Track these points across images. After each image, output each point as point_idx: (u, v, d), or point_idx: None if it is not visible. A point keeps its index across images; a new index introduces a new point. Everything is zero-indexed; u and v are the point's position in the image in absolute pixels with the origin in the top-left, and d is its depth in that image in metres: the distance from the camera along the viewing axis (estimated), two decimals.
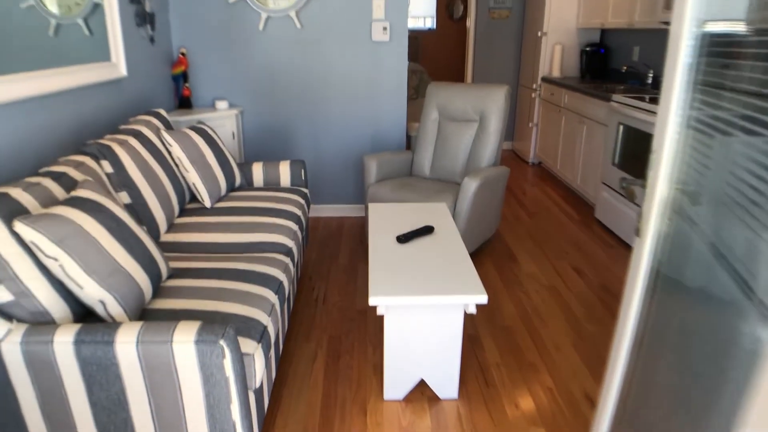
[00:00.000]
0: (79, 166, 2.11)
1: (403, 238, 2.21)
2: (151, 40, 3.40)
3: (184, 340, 1.43)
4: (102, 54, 2.83)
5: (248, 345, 1.62)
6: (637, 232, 1.29)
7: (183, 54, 3.71)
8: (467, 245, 3.18)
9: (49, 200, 1.80)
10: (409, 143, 4.75)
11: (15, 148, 2.14)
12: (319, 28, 3.72)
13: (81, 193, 1.82)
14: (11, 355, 1.48)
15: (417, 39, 8.83)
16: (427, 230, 2.30)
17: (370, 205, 2.68)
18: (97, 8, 2.78)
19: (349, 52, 3.76)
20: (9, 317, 1.54)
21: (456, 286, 1.84)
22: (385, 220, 2.48)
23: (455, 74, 8.88)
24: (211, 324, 1.46)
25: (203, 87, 3.88)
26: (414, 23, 8.82)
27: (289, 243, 2.46)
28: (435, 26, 8.85)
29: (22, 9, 2.28)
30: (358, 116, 3.91)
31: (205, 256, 2.26)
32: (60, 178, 1.94)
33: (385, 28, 3.69)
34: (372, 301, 1.77)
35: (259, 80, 3.85)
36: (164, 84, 3.63)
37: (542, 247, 3.63)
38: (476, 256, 3.45)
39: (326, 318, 2.73)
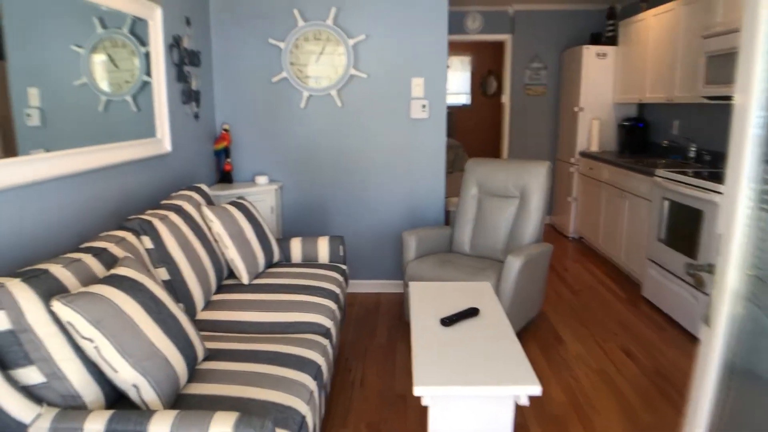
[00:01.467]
0: (120, 242, 2.10)
1: (447, 321, 2.09)
2: (196, 116, 3.50)
3: None
4: (148, 130, 2.91)
5: None
6: (707, 320, 1.17)
7: (226, 130, 3.81)
8: (512, 326, 3.03)
9: (89, 277, 1.77)
10: (448, 218, 4.70)
11: (62, 222, 2.16)
12: (359, 106, 3.79)
13: (120, 270, 1.78)
14: None
15: (452, 115, 9.00)
16: (473, 312, 2.18)
17: (411, 285, 2.59)
18: (146, 86, 2.89)
19: (388, 129, 3.80)
20: (39, 400, 1.47)
21: (506, 375, 1.70)
22: (427, 300, 2.38)
23: (490, 149, 8.95)
24: (249, 416, 1.36)
25: (244, 162, 3.95)
26: (449, 99, 9.02)
27: (327, 323, 2.36)
28: (470, 102, 9.03)
29: (75, 86, 2.37)
30: (396, 192, 3.90)
31: (242, 336, 2.18)
32: (100, 255, 1.92)
33: (423, 106, 3.73)
34: (417, 391, 1.65)
35: (298, 156, 3.90)
36: (207, 159, 3.71)
37: (588, 327, 3.44)
38: (520, 337, 3.28)
39: (364, 403, 2.57)
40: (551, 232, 6.03)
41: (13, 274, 1.56)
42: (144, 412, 1.39)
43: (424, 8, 3.64)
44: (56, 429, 1.39)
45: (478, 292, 2.50)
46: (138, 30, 2.81)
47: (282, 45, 3.70)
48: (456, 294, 2.46)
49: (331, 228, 4.00)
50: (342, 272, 2.98)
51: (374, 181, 3.89)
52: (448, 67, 3.78)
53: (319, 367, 1.98)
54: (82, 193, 2.32)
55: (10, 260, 1.87)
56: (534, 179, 3.35)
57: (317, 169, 3.92)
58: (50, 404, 1.48)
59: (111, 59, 2.66)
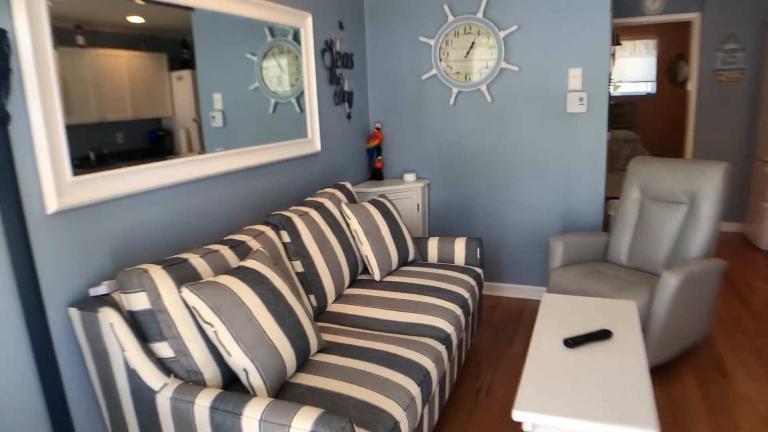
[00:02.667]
0: (258, 235, 2.30)
1: (571, 342, 1.91)
2: (348, 116, 3.67)
3: (301, 428, 1.38)
4: (302, 131, 3.13)
5: None
6: None
7: (378, 129, 3.93)
8: (662, 352, 2.66)
9: (222, 268, 1.97)
10: (609, 223, 4.29)
11: (216, 214, 2.42)
12: (510, 101, 3.63)
13: (248, 263, 1.95)
14: (163, 408, 1.60)
15: (633, 105, 8.19)
16: (603, 335, 1.96)
17: (544, 296, 2.41)
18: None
19: (541, 124, 3.58)
20: (168, 372, 1.68)
21: (620, 412, 1.50)
22: (556, 315, 2.20)
23: (675, 145, 7.96)
24: (331, 415, 1.39)
25: (394, 159, 4.04)
26: (629, 88, 8.23)
27: (448, 329, 2.32)
28: (654, 91, 8.13)
29: (250, 90, 2.68)
30: (548, 192, 3.66)
31: (361, 332, 2.24)
32: (237, 247, 2.12)
33: (581, 99, 3.44)
34: (516, 415, 1.53)
35: (447, 153, 3.88)
36: (358, 157, 3.87)
37: (766, 362, 2.87)
38: (673, 366, 2.87)
39: (486, 414, 2.48)
40: (741, 242, 5.16)
41: (158, 261, 1.80)
42: (243, 397, 1.51)
43: None
44: (175, 399, 1.58)
45: (619, 311, 2.24)
46: (300, 36, 3.06)
47: (432, 42, 3.70)
48: (592, 312, 2.24)
49: (477, 227, 3.91)
50: (476, 276, 2.90)
51: (525, 179, 3.71)
52: (612, 54, 3.43)
53: (427, 373, 1.95)
54: (237, 188, 2.58)
55: (171, 246, 2.16)
56: (707, 183, 2.90)
57: (465, 167, 3.85)
58: (176, 376, 1.68)
59: (279, 64, 2.92)
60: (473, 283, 2.81)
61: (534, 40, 3.49)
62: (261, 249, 2.12)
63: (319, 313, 2.49)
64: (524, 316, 3.57)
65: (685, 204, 2.99)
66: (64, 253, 1.73)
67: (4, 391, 1.56)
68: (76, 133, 1.79)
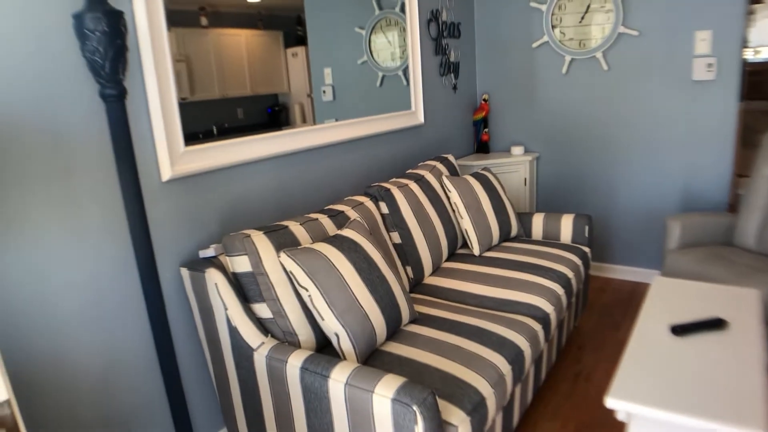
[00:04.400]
0: (357, 206, 2.35)
1: (679, 330, 1.75)
2: (454, 87, 3.60)
3: (383, 395, 1.41)
4: (407, 103, 3.13)
5: (455, 415, 1.51)
6: None
7: (485, 100, 3.82)
8: None
9: (320, 235, 2.04)
10: (736, 204, 3.85)
11: (319, 184, 2.51)
12: (628, 69, 3.34)
13: (344, 232, 2.00)
14: (259, 365, 1.71)
15: None
16: (716, 323, 1.78)
17: (655, 279, 2.23)
18: None
19: (662, 94, 3.27)
20: (266, 332, 1.79)
21: (724, 408, 1.35)
22: (667, 300, 2.03)
23: None
24: (413, 385, 1.41)
25: (502, 132, 3.91)
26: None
27: (548, 308, 2.23)
28: None
29: (358, 65, 2.74)
30: (667, 168, 3.35)
31: (455, 306, 2.23)
32: (336, 216, 2.18)
33: (710, 65, 3.08)
34: (609, 402, 1.44)
35: (557, 126, 3.68)
36: (464, 129, 3.80)
37: None
38: None
39: (583, 399, 2.37)
40: None
41: (261, 227, 1.90)
42: (332, 360, 1.57)
43: None
44: (271, 357, 1.68)
45: (739, 300, 2.01)
46: (406, 7, 3.04)
47: (543, 7, 3.49)
48: (707, 298, 2.03)
49: (588, 204, 3.69)
50: (583, 255, 2.75)
51: (642, 154, 3.42)
52: (750, 14, 3.02)
53: (520, 352, 1.90)
54: (341, 160, 2.65)
55: (274, 213, 2.28)
56: None
57: (577, 140, 3.63)
58: (273, 336, 1.78)
59: (386, 37, 2.95)
60: (579, 262, 2.67)
61: (656, 1, 3.17)
62: (358, 219, 2.16)
63: (416, 285, 2.50)
64: (634, 300, 3.34)
65: None
66: (178, 217, 1.89)
67: (123, 342, 1.75)
68: (200, 109, 1.94)
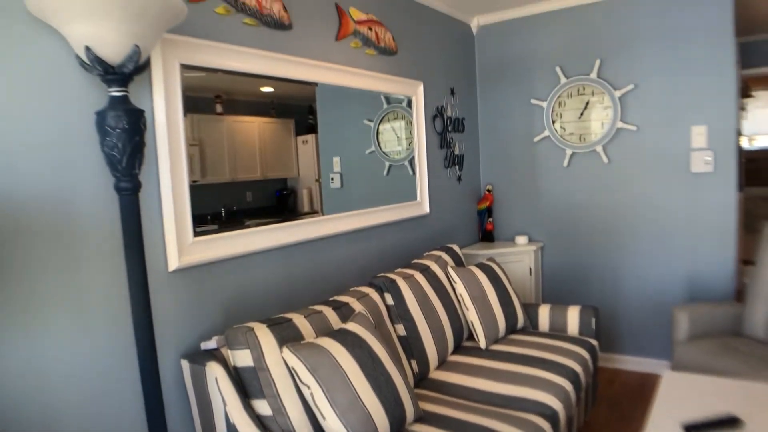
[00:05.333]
0: (362, 297, 2.34)
1: (692, 429, 1.68)
2: (459, 179, 3.69)
3: None
4: (413, 193, 3.21)
5: None
6: None
7: (489, 191, 3.90)
8: None
9: (325, 329, 2.02)
10: (743, 292, 3.80)
11: (325, 274, 2.52)
12: (628, 162, 3.44)
13: (349, 326, 1.98)
14: None
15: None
16: (731, 422, 1.71)
17: (665, 374, 2.17)
18: None
19: (663, 185, 3.33)
20: (265, 429, 1.72)
21: None
22: (679, 397, 1.96)
23: None
24: None
25: (506, 221, 3.96)
26: (763, 142, 7.43)
27: (556, 405, 2.15)
28: None
29: (366, 154, 2.84)
30: (671, 258, 3.35)
31: (461, 404, 2.15)
32: (340, 308, 2.17)
33: (707, 158, 3.16)
34: None
35: (560, 216, 3.73)
36: (468, 218, 3.85)
37: None
38: None
39: None
40: None
41: (264, 320, 1.89)
42: None
43: (702, 45, 3.12)
44: None
45: (754, 396, 1.94)
46: (413, 104, 3.19)
47: (544, 104, 3.65)
48: (720, 395, 1.96)
49: (593, 294, 3.66)
50: (590, 348, 2.69)
51: (645, 244, 3.44)
52: (742, 109, 3.14)
53: None
54: (347, 249, 2.67)
55: (279, 303, 2.27)
56: None
57: (580, 230, 3.67)
58: None
59: (393, 129, 3.07)
60: (587, 356, 2.61)
61: (652, 98, 3.31)
62: (363, 312, 2.15)
63: (421, 380, 2.44)
64: (645, 392, 3.22)
65: None
66: (182, 307, 1.88)
67: (116, 427, 1.69)
68: (210, 191, 1.99)
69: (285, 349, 1.75)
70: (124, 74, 1.48)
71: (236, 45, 2.04)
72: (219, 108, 2.06)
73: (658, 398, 1.95)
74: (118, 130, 1.48)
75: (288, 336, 1.86)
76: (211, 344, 1.86)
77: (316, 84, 2.47)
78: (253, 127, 2.21)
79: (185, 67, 1.88)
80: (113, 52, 1.42)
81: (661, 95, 3.29)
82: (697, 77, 3.17)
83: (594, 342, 2.77)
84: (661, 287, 3.42)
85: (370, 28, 2.73)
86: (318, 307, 2.12)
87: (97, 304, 1.63)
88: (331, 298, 2.31)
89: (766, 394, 1.96)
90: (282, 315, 1.98)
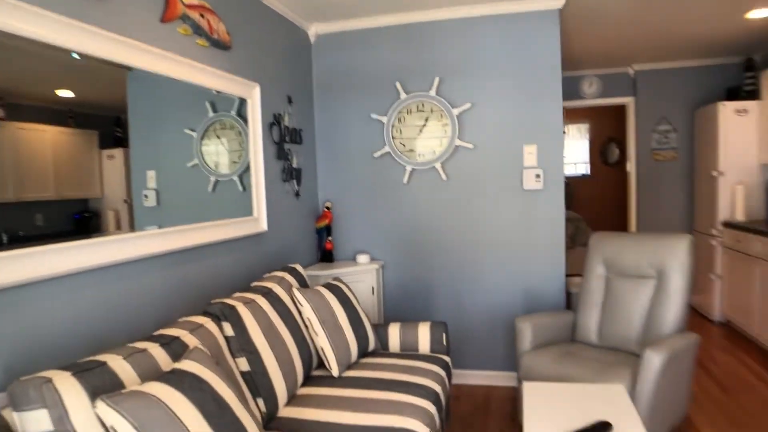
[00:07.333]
0: (196, 329, 1.93)
1: None
2: (297, 194, 3.42)
3: None
4: (247, 209, 2.85)
5: None
6: None
7: (328, 208, 3.70)
8: None
9: (152, 371, 1.59)
10: (570, 301, 4.15)
11: (146, 304, 2.05)
12: (466, 179, 3.51)
13: (184, 365, 1.58)
14: None
15: (569, 186, 8.44)
16: (603, 428, 1.71)
17: (526, 386, 2.15)
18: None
19: (498, 202, 3.47)
20: None
21: None
22: (545, 407, 1.93)
23: (613, 221, 8.18)
24: None
25: (346, 240, 3.79)
26: (566, 170, 8.50)
27: (423, 431, 1.99)
28: (589, 172, 8.44)
29: (188, 168, 2.43)
30: (510, 271, 3.49)
31: None
32: (170, 344, 1.75)
33: (538, 176, 3.37)
34: None
35: (402, 233, 3.67)
36: (307, 237, 3.59)
37: None
38: None
39: None
40: (691, 314, 5.14)
41: (68, 366, 1.41)
42: None
43: (534, 71, 3.36)
44: None
45: (610, 397, 2.00)
46: (245, 112, 2.85)
47: (384, 119, 3.59)
48: (582, 399, 1.98)
49: (436, 310, 3.65)
50: (444, 365, 2.60)
51: (484, 259, 3.53)
52: (564, 132, 3.42)
53: None
54: (172, 273, 2.23)
55: (87, 344, 1.76)
56: (673, 256, 2.81)
57: (422, 247, 3.64)
58: None
59: (220, 141, 2.70)
60: (443, 373, 2.51)
61: (488, 118, 3.45)
62: (199, 346, 1.76)
63: (269, 421, 2.10)
64: (492, 405, 3.26)
65: (653, 278, 2.87)
66: None
67: None
68: None
69: (100, 403, 1.31)
70: None
71: (26, 2, 1.55)
72: None
73: (526, 410, 1.90)
74: None
75: (102, 385, 1.41)
76: None
77: (129, 68, 2.03)
78: (46, 137, 1.79)
79: None
80: None
81: (496, 115, 3.44)
82: (528, 100, 3.38)
83: (446, 358, 2.70)
84: (501, 300, 3.53)
85: (202, 15, 2.37)
86: (141, 345, 1.68)
87: None
88: (156, 332, 1.86)
89: (620, 393, 2.02)
90: (92, 358, 1.51)
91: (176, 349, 1.76)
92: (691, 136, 5.39)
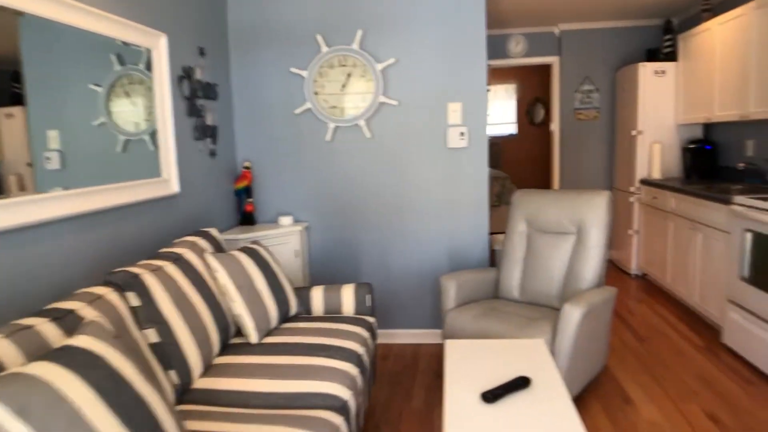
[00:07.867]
0: (94, 300, 1.77)
1: (490, 396, 1.65)
2: (212, 153, 3.23)
3: None
4: (156, 170, 2.65)
5: None
6: None
7: (247, 168, 3.52)
8: (570, 388, 2.52)
9: (39, 350, 1.44)
10: (494, 258, 4.23)
11: (43, 272, 1.86)
12: (391, 137, 3.43)
13: (76, 341, 1.44)
14: None
15: (497, 145, 8.58)
16: (522, 383, 1.72)
17: (447, 343, 2.15)
18: None
19: (423, 160, 3.42)
20: None
21: None
22: (466, 365, 1.94)
23: (539, 180, 8.44)
24: None
25: (268, 202, 3.64)
26: (493, 130, 8.62)
27: (345, 394, 1.95)
28: (516, 132, 8.59)
29: (94, 126, 2.21)
30: (434, 230, 3.48)
31: (237, 413, 1.79)
32: (63, 319, 1.59)
33: (462, 134, 3.34)
34: None
35: (325, 193, 3.57)
36: (225, 200, 3.42)
37: (662, 383, 2.87)
38: (582, 400, 2.75)
39: None
40: (611, 268, 5.43)
41: None
42: None
43: (458, 28, 3.29)
44: None
45: (530, 352, 2.03)
46: (153, 60, 2.61)
47: (305, 74, 3.42)
48: (503, 355, 2.00)
49: (363, 272, 3.61)
50: (369, 326, 2.57)
51: (410, 218, 3.50)
52: (488, 90, 3.39)
53: None
54: (70, 241, 2.03)
55: None
56: (592, 212, 2.88)
57: (346, 207, 3.56)
58: None
59: (129, 97, 2.47)
60: (366, 335, 2.48)
61: (412, 74, 3.36)
62: (96, 319, 1.61)
63: (183, 393, 1.99)
64: (420, 363, 3.29)
65: (573, 234, 2.94)
66: None
67: None
68: None
69: None
70: None
71: None
72: None
73: (447, 368, 1.89)
74: None
75: None
76: None
77: (21, 14, 1.78)
78: None
79: None
80: None
81: (421, 72, 3.35)
82: (453, 57, 3.31)
83: (371, 319, 2.66)
84: (427, 259, 3.52)
85: None
86: (27, 321, 1.51)
87: None
88: (47, 306, 1.69)
89: (540, 347, 2.05)
90: None
91: (70, 324, 1.60)
92: (612, 97, 5.55)
